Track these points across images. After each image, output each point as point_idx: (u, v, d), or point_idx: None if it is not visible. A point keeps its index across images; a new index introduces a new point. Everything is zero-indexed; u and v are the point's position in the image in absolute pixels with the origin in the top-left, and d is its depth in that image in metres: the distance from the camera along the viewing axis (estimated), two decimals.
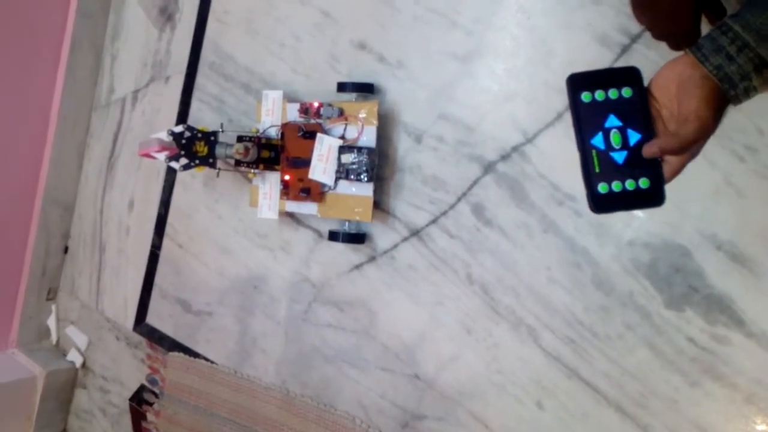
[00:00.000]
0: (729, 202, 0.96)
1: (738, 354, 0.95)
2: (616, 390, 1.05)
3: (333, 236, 1.32)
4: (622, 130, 0.62)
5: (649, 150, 0.61)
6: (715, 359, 0.96)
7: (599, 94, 0.62)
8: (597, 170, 0.62)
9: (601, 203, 0.62)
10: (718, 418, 0.96)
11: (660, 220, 1.02)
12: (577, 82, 0.63)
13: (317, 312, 1.43)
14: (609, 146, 0.62)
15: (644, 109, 0.62)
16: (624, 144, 0.62)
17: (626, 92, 0.62)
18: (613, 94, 0.62)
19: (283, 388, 1.48)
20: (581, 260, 1.09)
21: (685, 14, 0.66)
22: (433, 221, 1.26)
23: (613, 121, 0.62)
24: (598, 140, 0.62)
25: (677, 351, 0.99)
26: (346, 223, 1.32)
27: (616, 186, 0.61)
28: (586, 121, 0.63)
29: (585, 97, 0.62)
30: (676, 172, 0.62)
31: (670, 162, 0.62)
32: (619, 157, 0.62)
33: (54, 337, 2.10)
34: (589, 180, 0.62)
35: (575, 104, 0.63)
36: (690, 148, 0.60)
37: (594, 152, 0.62)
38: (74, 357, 2.02)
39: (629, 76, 0.63)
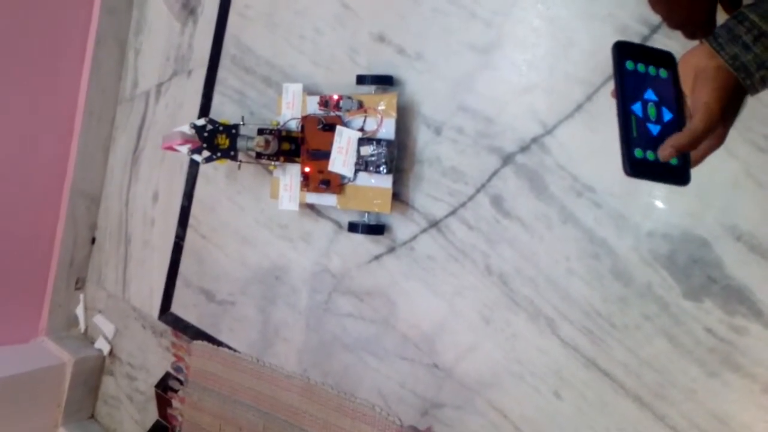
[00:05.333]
0: (749, 193, 0.96)
1: (756, 344, 0.94)
2: (634, 380, 1.05)
3: (353, 227, 1.34)
4: (658, 106, 0.63)
5: (663, 152, 0.61)
6: (734, 350, 0.96)
7: (641, 66, 0.64)
8: (635, 135, 0.63)
9: (635, 167, 0.62)
10: (736, 408, 0.96)
11: (679, 211, 1.02)
12: (623, 50, 0.64)
13: (337, 302, 1.45)
14: (646, 116, 0.63)
15: (676, 93, 0.64)
16: (658, 118, 0.63)
17: (663, 73, 0.64)
18: (652, 70, 0.64)
19: (304, 377, 1.51)
20: (600, 251, 1.09)
21: (701, 3, 0.66)
22: (452, 212, 1.27)
23: (650, 95, 0.64)
24: (637, 108, 0.63)
25: (695, 341, 0.99)
26: (366, 215, 1.34)
27: (649, 155, 0.62)
28: (628, 86, 0.64)
29: (629, 65, 0.64)
30: (701, 158, 0.63)
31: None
32: (654, 129, 0.63)
33: (82, 326, 2.15)
34: (627, 142, 0.62)
35: (620, 69, 0.64)
36: (702, 139, 0.60)
37: (633, 117, 0.63)
38: (102, 345, 2.07)
39: (666, 59, 0.65)
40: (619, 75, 0.64)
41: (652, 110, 0.63)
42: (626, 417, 1.06)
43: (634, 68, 0.64)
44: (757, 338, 0.94)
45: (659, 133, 0.63)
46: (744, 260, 0.96)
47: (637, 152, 0.62)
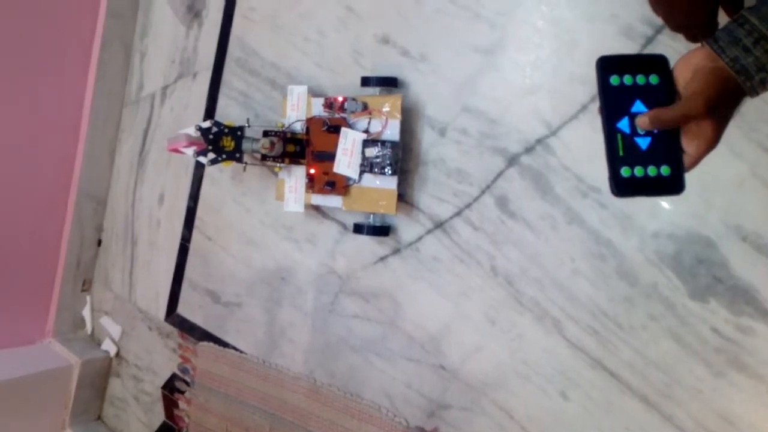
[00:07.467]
0: (754, 193, 0.96)
1: (763, 345, 0.94)
2: (641, 380, 1.05)
3: (358, 229, 1.34)
4: None
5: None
6: (740, 350, 0.96)
7: (627, 79, 0.63)
8: (621, 153, 0.62)
9: (622, 187, 0.62)
10: (742, 408, 0.96)
11: (685, 211, 1.02)
12: (607, 65, 0.64)
13: (343, 303, 1.46)
14: (634, 131, 0.62)
15: (669, 98, 0.63)
16: (648, 130, 0.62)
17: (653, 79, 0.63)
18: (640, 80, 0.63)
19: (310, 378, 1.52)
20: (606, 252, 1.09)
21: (701, 6, 0.67)
22: (457, 213, 1.27)
23: (639, 106, 0.63)
24: (623, 124, 0.63)
25: (701, 341, 0.99)
26: (371, 216, 1.34)
27: (638, 171, 0.62)
28: (613, 104, 0.63)
29: (613, 80, 0.63)
30: (695, 161, 0.62)
31: (689, 152, 0.62)
32: (643, 142, 0.62)
33: (89, 327, 2.16)
34: (613, 163, 0.62)
35: (603, 87, 0.63)
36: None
37: (619, 135, 0.63)
38: (108, 346, 2.08)
39: (657, 63, 0.64)
40: (603, 93, 0.63)
41: None
42: (633, 417, 1.06)
43: (620, 82, 0.63)
44: (764, 338, 0.94)
45: (649, 146, 0.62)
46: (750, 260, 0.96)
47: (625, 171, 0.62)
